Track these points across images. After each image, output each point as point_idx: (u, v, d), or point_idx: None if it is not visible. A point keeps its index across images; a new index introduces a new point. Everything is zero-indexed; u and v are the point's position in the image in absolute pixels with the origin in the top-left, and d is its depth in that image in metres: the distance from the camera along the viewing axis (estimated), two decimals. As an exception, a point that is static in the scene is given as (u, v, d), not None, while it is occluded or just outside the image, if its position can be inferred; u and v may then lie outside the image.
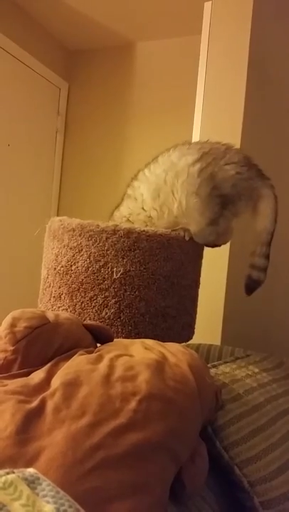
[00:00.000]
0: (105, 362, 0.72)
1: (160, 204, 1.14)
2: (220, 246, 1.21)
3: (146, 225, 1.15)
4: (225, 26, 1.74)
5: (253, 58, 1.71)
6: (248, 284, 1.14)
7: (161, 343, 0.86)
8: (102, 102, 3.04)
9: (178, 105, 2.69)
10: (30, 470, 0.40)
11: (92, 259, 1.07)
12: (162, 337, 1.03)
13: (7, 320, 0.78)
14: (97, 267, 1.07)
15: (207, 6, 1.77)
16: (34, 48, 2.82)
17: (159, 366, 0.73)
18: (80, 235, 1.09)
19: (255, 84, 1.74)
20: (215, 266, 1.52)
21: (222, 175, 1.09)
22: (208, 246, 1.20)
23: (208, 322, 1.56)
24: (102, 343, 0.88)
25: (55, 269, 1.12)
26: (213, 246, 1.20)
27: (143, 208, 1.16)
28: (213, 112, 1.74)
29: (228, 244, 1.24)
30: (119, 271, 1.06)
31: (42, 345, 0.76)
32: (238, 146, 1.17)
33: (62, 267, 1.10)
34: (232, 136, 1.65)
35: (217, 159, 1.10)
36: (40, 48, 2.89)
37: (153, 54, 2.91)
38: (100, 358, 0.74)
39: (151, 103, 2.89)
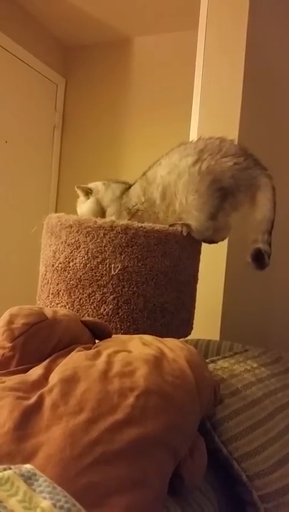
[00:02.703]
0: (103, 358, 0.72)
1: (166, 205, 1.16)
2: (217, 243, 1.20)
3: (154, 223, 1.16)
4: (221, 20, 1.73)
5: (250, 52, 1.70)
6: (255, 254, 1.06)
7: (160, 338, 0.86)
8: (99, 97, 3.03)
9: (175, 100, 2.68)
10: (27, 466, 0.40)
11: (90, 255, 1.07)
12: (161, 333, 1.03)
13: (5, 317, 0.78)
14: (95, 263, 1.06)
15: (203, 0, 1.76)
16: (31, 44, 2.81)
17: (157, 362, 0.73)
18: (77, 232, 1.08)
19: (252, 78, 1.73)
20: (213, 261, 1.52)
21: (220, 167, 1.10)
22: (205, 242, 1.20)
23: (207, 317, 1.56)
24: (101, 339, 0.88)
25: (53, 265, 1.12)
26: (210, 242, 1.19)
27: (154, 207, 1.18)
28: (211, 105, 1.74)
29: (227, 239, 1.23)
30: (117, 267, 1.06)
31: (40, 341, 0.76)
32: (235, 140, 1.17)
33: (60, 263, 1.10)
34: (230, 130, 1.64)
35: (213, 154, 1.11)
36: (37, 44, 2.87)
37: (150, 49, 2.90)
38: (97, 354, 0.74)
39: (149, 98, 2.88)
